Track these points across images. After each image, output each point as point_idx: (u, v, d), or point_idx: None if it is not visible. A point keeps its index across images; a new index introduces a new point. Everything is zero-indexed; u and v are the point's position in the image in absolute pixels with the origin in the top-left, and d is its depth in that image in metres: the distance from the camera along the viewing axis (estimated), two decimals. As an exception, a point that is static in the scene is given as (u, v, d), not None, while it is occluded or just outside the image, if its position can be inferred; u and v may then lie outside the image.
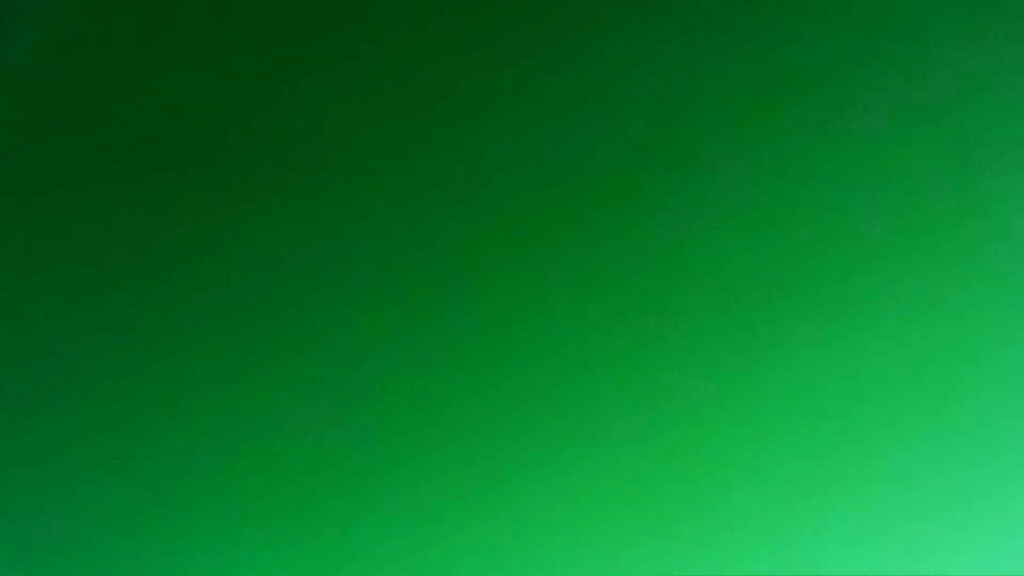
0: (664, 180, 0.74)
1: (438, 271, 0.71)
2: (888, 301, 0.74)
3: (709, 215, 0.74)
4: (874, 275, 0.74)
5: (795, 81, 0.75)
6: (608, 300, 0.73)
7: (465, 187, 0.72)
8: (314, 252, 0.71)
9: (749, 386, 0.72)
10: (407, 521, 0.70)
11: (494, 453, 0.71)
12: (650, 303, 0.73)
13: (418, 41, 0.72)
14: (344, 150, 0.72)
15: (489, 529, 0.71)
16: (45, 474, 0.67)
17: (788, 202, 0.74)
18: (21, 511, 0.67)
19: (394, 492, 0.70)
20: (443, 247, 0.72)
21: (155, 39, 0.72)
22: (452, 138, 0.72)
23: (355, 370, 0.70)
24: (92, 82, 0.72)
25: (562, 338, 0.72)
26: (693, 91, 0.74)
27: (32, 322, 0.70)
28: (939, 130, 0.75)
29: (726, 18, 0.75)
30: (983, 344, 0.73)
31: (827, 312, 0.74)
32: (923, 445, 0.72)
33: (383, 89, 0.72)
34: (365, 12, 0.72)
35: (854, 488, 0.72)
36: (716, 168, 0.74)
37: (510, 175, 0.73)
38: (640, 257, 0.74)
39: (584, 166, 0.73)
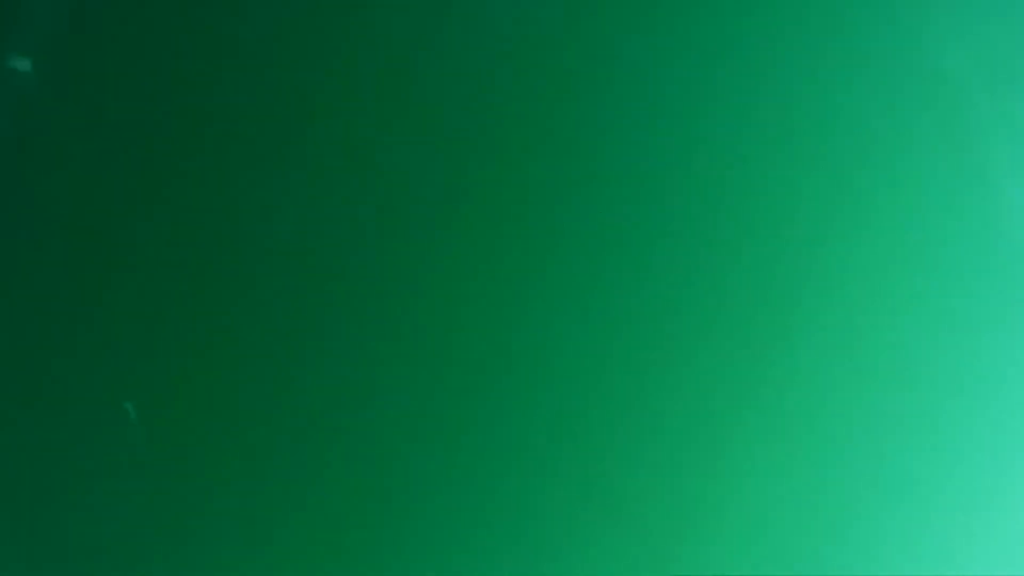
0: (657, 179, 0.74)
1: (437, 271, 0.71)
2: (887, 302, 0.74)
3: (706, 216, 0.74)
4: (875, 277, 0.74)
5: (792, 84, 0.75)
6: (605, 297, 0.73)
7: (463, 189, 0.72)
8: (310, 249, 0.71)
9: (747, 386, 0.72)
10: (404, 521, 0.70)
11: (496, 453, 0.71)
12: (649, 302, 0.73)
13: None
14: (339, 149, 0.72)
15: (491, 528, 0.71)
16: (42, 472, 0.67)
17: (785, 203, 0.74)
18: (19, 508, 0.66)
19: (391, 492, 0.70)
20: (441, 247, 0.72)
21: (155, 39, 0.72)
22: (448, 138, 0.72)
23: (356, 370, 0.70)
24: (92, 83, 0.72)
25: (564, 336, 0.72)
26: (690, 95, 0.74)
27: (31, 319, 0.70)
28: (938, 128, 0.75)
29: (720, 20, 0.76)
30: (986, 345, 0.73)
31: (827, 313, 0.74)
32: (925, 444, 0.72)
33: (376, 89, 0.72)
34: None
35: (855, 489, 0.72)
36: (712, 171, 0.74)
37: (512, 179, 0.73)
38: (638, 257, 0.74)
39: (582, 166, 0.73)
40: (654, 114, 0.74)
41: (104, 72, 0.72)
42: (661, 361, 0.73)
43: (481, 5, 0.72)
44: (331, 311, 0.70)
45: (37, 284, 0.71)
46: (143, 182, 0.71)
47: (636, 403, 0.72)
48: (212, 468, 0.67)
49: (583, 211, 0.73)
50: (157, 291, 0.70)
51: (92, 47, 0.72)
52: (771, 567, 0.71)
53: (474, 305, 0.71)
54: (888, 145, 0.75)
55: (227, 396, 0.68)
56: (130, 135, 0.71)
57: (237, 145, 0.71)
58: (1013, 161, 0.75)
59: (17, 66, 0.70)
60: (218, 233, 0.70)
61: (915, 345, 0.74)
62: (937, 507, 0.72)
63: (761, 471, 0.72)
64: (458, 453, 0.70)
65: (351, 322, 0.70)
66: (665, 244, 0.74)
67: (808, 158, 0.74)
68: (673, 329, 0.73)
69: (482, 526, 0.71)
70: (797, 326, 0.73)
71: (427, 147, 0.72)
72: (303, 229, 0.71)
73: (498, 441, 0.71)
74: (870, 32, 0.76)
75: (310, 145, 0.72)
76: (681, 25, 0.75)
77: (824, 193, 0.74)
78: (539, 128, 0.73)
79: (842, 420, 0.73)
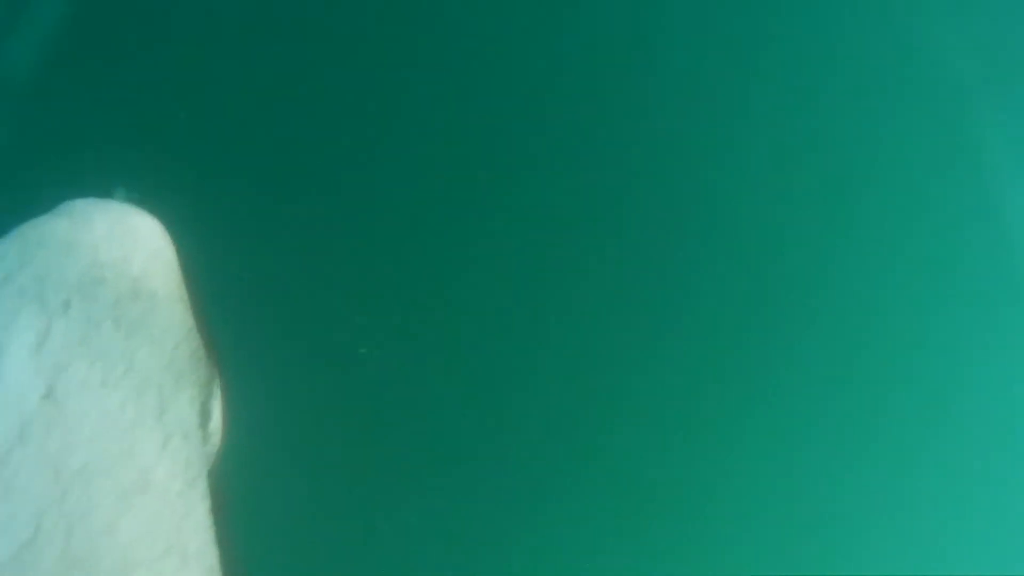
0: (658, 180, 0.74)
1: (446, 270, 0.71)
2: (886, 302, 0.74)
3: (704, 218, 0.74)
4: (873, 277, 0.74)
5: (789, 84, 0.75)
6: (606, 300, 0.73)
7: (466, 189, 0.72)
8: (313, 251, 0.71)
9: (747, 387, 0.73)
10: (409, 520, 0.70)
11: (494, 453, 0.71)
12: (649, 304, 0.73)
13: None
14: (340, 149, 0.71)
15: (490, 531, 0.70)
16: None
17: (782, 204, 0.74)
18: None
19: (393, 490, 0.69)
20: (452, 247, 0.71)
21: (157, 40, 0.72)
22: (448, 137, 0.72)
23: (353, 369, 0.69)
24: (91, 84, 0.72)
25: (562, 336, 0.72)
26: (684, 96, 0.74)
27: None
28: (938, 128, 0.75)
29: (717, 20, 0.75)
30: (987, 344, 0.73)
31: (824, 313, 0.74)
32: (926, 446, 0.72)
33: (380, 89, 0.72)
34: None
35: (857, 490, 0.72)
36: (713, 174, 0.74)
37: (511, 178, 0.73)
38: (640, 259, 0.74)
39: (582, 166, 0.73)
40: (648, 115, 0.74)
41: (103, 74, 0.72)
42: (663, 360, 0.73)
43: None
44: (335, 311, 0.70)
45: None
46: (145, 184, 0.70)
47: (635, 403, 0.72)
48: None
49: (583, 211, 0.73)
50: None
51: (91, 50, 0.72)
52: (770, 567, 0.71)
53: (477, 303, 0.71)
54: (886, 146, 0.75)
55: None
56: (131, 136, 0.71)
57: (243, 145, 0.71)
58: (1013, 161, 0.75)
59: (17, 70, 0.70)
60: (221, 234, 0.70)
61: (915, 345, 0.74)
62: (938, 508, 0.72)
63: (761, 472, 0.72)
64: (456, 454, 0.70)
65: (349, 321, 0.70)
66: (669, 244, 0.74)
67: (805, 158, 0.74)
68: (675, 327, 0.73)
69: (487, 526, 0.70)
70: (795, 327, 0.73)
71: (426, 150, 0.72)
72: (302, 230, 0.71)
73: (501, 442, 0.71)
74: (867, 31, 0.76)
75: (316, 147, 0.71)
76: (678, 23, 0.75)
77: (821, 194, 0.74)
78: (537, 129, 0.73)
79: (842, 421, 0.73)
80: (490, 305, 0.72)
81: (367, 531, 0.65)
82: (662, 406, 0.72)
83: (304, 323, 0.66)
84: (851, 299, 0.74)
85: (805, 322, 0.73)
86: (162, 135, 0.69)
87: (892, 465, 0.72)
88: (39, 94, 0.71)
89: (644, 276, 0.74)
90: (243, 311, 0.61)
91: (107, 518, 0.31)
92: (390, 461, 0.66)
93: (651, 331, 0.73)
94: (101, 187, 0.70)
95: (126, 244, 0.38)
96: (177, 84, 0.70)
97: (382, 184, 0.70)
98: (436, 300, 0.70)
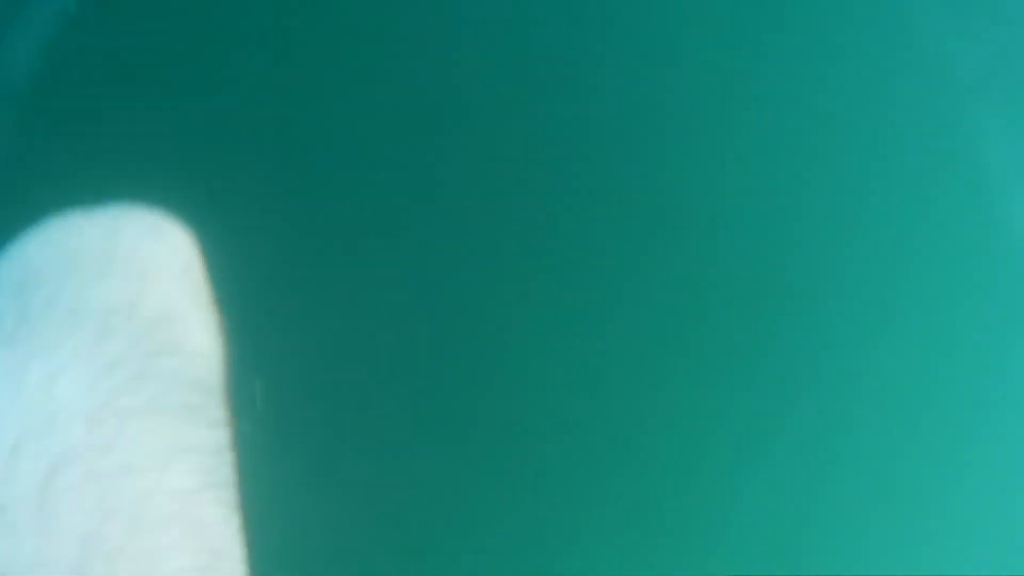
0: (658, 180, 0.74)
1: (439, 269, 0.71)
2: (887, 302, 0.74)
3: (702, 219, 0.74)
4: (873, 278, 0.74)
5: (789, 84, 0.75)
6: (607, 303, 0.73)
7: (470, 193, 0.72)
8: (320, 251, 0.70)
9: (743, 388, 0.73)
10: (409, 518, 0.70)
11: (495, 458, 0.71)
12: (651, 306, 0.73)
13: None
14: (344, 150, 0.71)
15: (489, 533, 0.71)
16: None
17: (781, 205, 0.74)
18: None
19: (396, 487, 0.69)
20: (446, 244, 0.71)
21: (159, 42, 0.71)
22: (455, 134, 0.72)
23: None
24: (91, 86, 0.72)
25: (561, 338, 0.72)
26: (684, 95, 0.74)
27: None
28: (938, 129, 0.75)
29: (715, 20, 0.75)
30: (988, 346, 0.74)
31: (825, 314, 0.74)
32: (927, 447, 0.73)
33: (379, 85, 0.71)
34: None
35: (857, 491, 0.72)
36: (710, 173, 0.74)
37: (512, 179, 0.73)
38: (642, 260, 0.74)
39: (583, 169, 0.73)
40: (649, 115, 0.74)
41: (103, 75, 0.72)
42: (660, 361, 0.73)
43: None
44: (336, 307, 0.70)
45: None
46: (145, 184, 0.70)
47: (635, 402, 0.72)
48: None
49: (581, 213, 0.73)
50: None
51: (91, 52, 0.72)
52: (770, 567, 0.71)
53: (477, 306, 0.71)
54: (887, 146, 0.75)
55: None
56: (132, 137, 0.71)
57: (243, 147, 0.71)
58: (1013, 161, 0.75)
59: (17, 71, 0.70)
60: (221, 241, 0.70)
61: (915, 346, 0.74)
62: (938, 509, 0.72)
63: (759, 473, 0.72)
64: (469, 463, 0.70)
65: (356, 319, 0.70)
66: (668, 242, 0.74)
67: (803, 158, 0.74)
68: (673, 329, 0.73)
69: (485, 527, 0.70)
70: (795, 328, 0.73)
71: (419, 146, 0.71)
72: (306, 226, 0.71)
73: (501, 443, 0.71)
74: (867, 31, 0.76)
75: (318, 149, 0.71)
76: (677, 22, 0.75)
77: (819, 194, 0.74)
78: (532, 129, 0.73)
79: (841, 422, 0.73)
80: (488, 306, 0.72)
81: (381, 544, 0.65)
82: (665, 405, 0.72)
83: (321, 336, 0.66)
84: (850, 299, 0.74)
85: (803, 322, 0.74)
86: (165, 139, 0.69)
87: (893, 465, 0.73)
88: (39, 95, 0.71)
89: (642, 273, 0.74)
90: (258, 322, 0.61)
91: (148, 541, 0.31)
92: (405, 474, 0.67)
93: (652, 327, 0.73)
94: (101, 191, 0.70)
95: (160, 258, 0.38)
96: (181, 87, 0.70)
97: (407, 195, 0.71)
98: (464, 317, 0.70)
